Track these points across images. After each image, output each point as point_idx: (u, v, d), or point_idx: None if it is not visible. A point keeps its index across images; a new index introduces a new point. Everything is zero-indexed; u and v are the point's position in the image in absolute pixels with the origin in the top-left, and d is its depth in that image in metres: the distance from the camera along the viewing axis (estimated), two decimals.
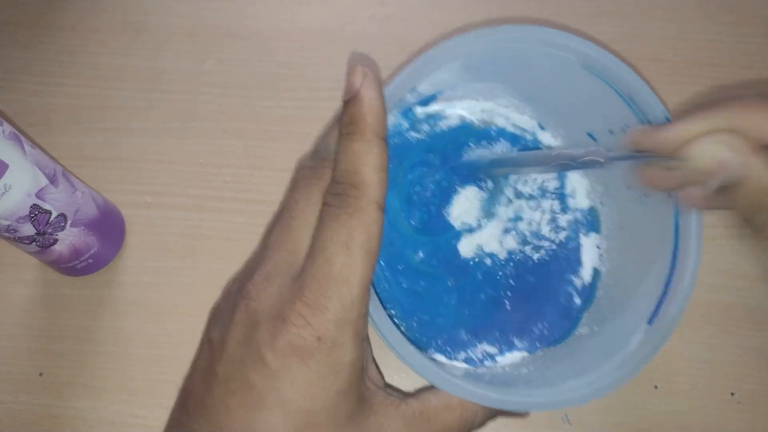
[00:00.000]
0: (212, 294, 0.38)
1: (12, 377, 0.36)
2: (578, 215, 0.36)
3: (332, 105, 0.43)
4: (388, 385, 0.27)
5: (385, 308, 0.27)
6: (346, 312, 0.22)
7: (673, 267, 0.29)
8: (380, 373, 0.28)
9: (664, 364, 0.36)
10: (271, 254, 0.25)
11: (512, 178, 0.37)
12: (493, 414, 0.27)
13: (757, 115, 0.22)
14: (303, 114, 0.43)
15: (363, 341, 0.24)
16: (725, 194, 0.23)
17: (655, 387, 0.35)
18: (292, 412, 0.21)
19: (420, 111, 0.37)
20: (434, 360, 0.33)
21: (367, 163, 0.23)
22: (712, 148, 0.23)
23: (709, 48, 0.45)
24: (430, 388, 0.26)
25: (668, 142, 0.24)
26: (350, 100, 0.23)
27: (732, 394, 0.35)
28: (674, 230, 0.29)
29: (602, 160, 0.26)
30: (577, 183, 0.37)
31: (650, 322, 0.28)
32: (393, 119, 0.36)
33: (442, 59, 0.29)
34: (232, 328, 0.23)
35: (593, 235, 0.36)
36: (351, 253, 0.22)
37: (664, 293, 0.29)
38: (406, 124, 0.37)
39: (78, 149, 0.42)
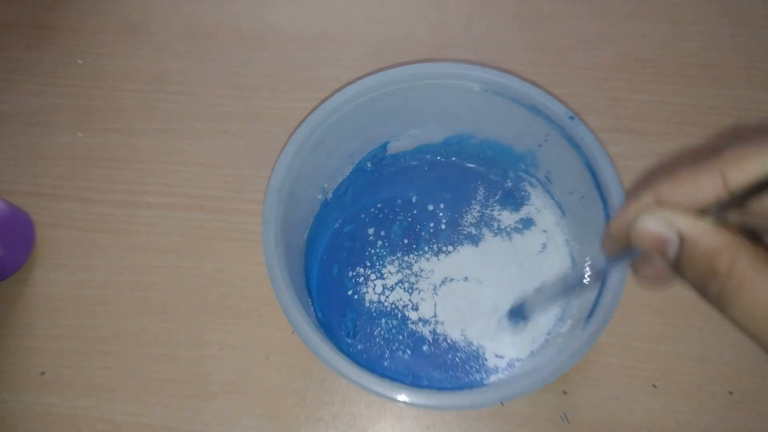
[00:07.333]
0: (212, 294, 0.38)
1: (13, 376, 0.36)
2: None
3: None
4: None
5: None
6: None
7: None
8: None
9: (664, 363, 0.36)
10: None
11: None
12: None
13: (680, 184, 0.21)
14: (303, 114, 0.43)
15: None
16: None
17: (655, 386, 0.35)
18: None
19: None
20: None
21: None
22: (645, 226, 0.21)
23: (709, 48, 0.45)
24: None
25: (620, 234, 0.23)
26: None
27: (731, 393, 0.35)
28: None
29: (588, 282, 0.27)
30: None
31: (586, 320, 0.29)
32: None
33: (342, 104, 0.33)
34: None
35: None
36: None
37: (599, 294, 0.29)
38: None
39: (79, 149, 0.43)
